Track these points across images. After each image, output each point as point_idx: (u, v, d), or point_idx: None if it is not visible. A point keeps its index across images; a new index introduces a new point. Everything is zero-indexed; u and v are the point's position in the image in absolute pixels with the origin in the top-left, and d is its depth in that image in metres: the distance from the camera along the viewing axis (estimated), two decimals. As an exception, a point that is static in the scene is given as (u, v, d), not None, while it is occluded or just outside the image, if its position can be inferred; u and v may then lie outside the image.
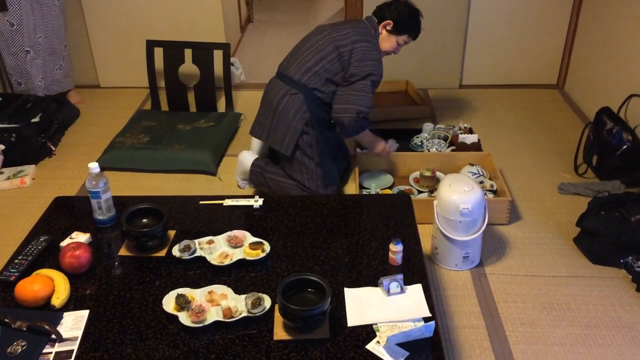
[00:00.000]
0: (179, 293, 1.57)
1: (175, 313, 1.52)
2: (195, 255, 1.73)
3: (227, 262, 1.71)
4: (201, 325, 1.48)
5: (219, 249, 1.77)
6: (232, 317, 1.50)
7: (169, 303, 1.55)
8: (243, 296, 1.55)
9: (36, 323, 1.47)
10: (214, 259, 1.72)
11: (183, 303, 1.53)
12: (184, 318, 1.50)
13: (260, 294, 1.54)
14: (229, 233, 1.81)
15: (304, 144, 2.63)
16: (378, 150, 2.89)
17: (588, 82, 3.81)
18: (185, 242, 1.76)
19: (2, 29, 3.53)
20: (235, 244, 1.77)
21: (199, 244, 1.77)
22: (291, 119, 2.60)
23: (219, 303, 1.54)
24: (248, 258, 1.72)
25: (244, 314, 1.51)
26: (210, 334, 1.47)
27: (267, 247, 1.75)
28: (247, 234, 1.81)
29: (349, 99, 2.57)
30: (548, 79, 4.24)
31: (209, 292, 1.58)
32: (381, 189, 2.88)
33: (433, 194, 2.75)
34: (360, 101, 2.56)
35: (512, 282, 2.40)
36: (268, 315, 1.52)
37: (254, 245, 1.75)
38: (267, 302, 1.53)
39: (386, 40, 2.71)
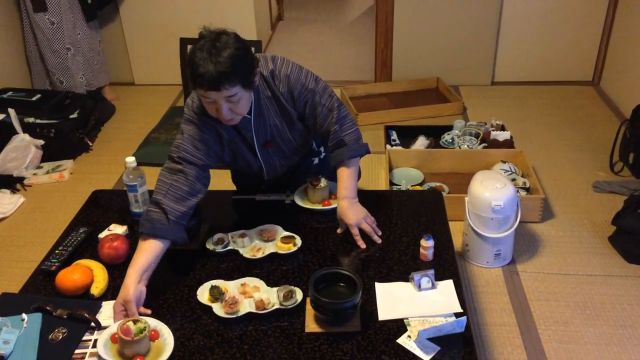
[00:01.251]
0: (213, 285, 1.60)
1: (209, 304, 1.55)
2: (228, 248, 1.77)
3: (259, 255, 1.74)
4: (234, 316, 1.51)
5: (251, 242, 1.80)
6: (265, 308, 1.52)
7: (203, 294, 1.58)
8: (275, 289, 1.58)
9: (76, 311, 1.52)
10: (246, 252, 1.75)
11: (217, 294, 1.56)
12: (218, 309, 1.53)
13: (292, 287, 1.56)
14: (261, 227, 1.84)
15: None
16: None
17: (625, 78, 3.73)
18: (219, 235, 1.79)
19: (44, 28, 3.63)
20: (267, 237, 1.80)
21: (232, 237, 1.80)
22: None
23: (251, 295, 1.57)
24: (280, 252, 1.74)
25: (276, 306, 1.53)
26: (243, 325, 1.50)
27: (298, 241, 1.77)
28: (279, 228, 1.83)
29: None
30: (583, 76, 4.17)
31: (242, 285, 1.61)
32: (411, 186, 2.88)
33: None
34: None
35: (544, 280, 2.38)
36: (299, 308, 1.54)
37: (285, 240, 1.77)
38: (298, 295, 1.55)
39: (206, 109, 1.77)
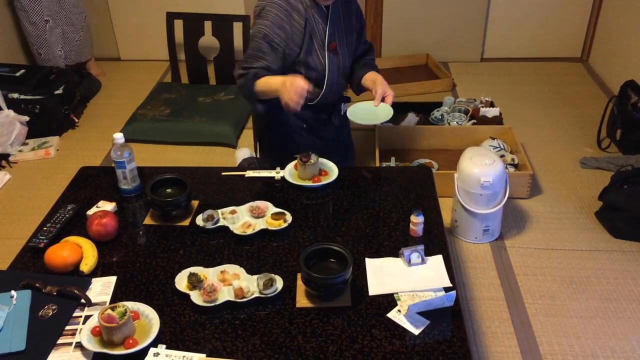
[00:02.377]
0: (192, 272, 1.56)
1: (187, 292, 1.51)
2: (218, 225, 1.76)
3: (249, 231, 1.73)
4: (212, 304, 1.48)
5: (241, 219, 1.79)
6: (244, 297, 1.49)
7: (181, 282, 1.55)
8: (255, 276, 1.54)
9: (66, 288, 1.51)
10: (236, 228, 1.75)
11: (195, 282, 1.52)
12: (196, 297, 1.49)
13: (273, 275, 1.53)
14: (251, 203, 1.83)
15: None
16: (282, 97, 1.93)
17: (613, 55, 3.74)
18: (209, 211, 1.78)
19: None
20: (258, 214, 1.79)
21: (222, 214, 1.79)
22: (255, 124, 2.55)
23: (231, 283, 1.53)
24: (270, 228, 1.74)
25: (256, 295, 1.50)
26: (220, 314, 1.47)
27: (289, 217, 1.77)
28: (270, 204, 1.83)
29: None
30: (572, 52, 4.17)
31: (222, 272, 1.57)
32: (377, 123, 2.32)
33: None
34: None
35: (532, 255, 2.40)
36: (280, 297, 1.51)
37: (276, 216, 1.77)
38: (279, 283, 1.53)
39: None
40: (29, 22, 3.65)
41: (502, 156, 2.84)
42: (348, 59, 2.23)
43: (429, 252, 1.66)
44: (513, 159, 2.82)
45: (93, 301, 1.51)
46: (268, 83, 1.99)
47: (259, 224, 1.76)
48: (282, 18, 2.01)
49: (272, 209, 1.81)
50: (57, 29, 3.75)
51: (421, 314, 1.47)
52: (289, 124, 2.30)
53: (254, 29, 2.05)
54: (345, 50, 2.20)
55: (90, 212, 1.80)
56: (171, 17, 3.71)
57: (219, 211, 1.80)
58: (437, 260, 1.64)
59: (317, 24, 2.07)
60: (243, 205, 1.83)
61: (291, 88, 1.87)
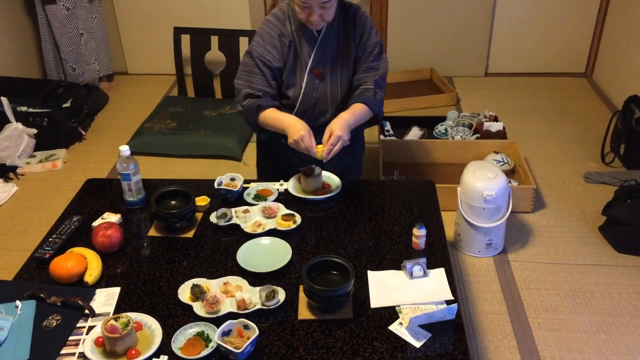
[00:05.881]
0: (195, 283, 1.57)
1: (190, 303, 1.52)
2: (230, 222, 1.81)
3: (259, 230, 1.78)
4: (215, 316, 1.48)
5: (253, 218, 1.84)
6: (246, 309, 1.50)
7: (184, 293, 1.56)
8: (258, 288, 1.55)
9: (70, 298, 1.53)
10: (247, 227, 1.80)
11: (198, 293, 1.53)
12: (199, 308, 1.50)
13: (275, 287, 1.54)
14: (264, 204, 1.88)
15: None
16: (289, 137, 1.92)
17: (617, 70, 3.75)
18: (223, 209, 1.82)
19: (58, 14, 3.66)
20: (269, 214, 1.84)
21: (235, 212, 1.84)
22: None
23: (233, 294, 1.54)
24: (280, 228, 1.78)
25: (258, 306, 1.50)
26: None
27: (298, 219, 1.81)
28: (281, 205, 1.87)
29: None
30: (576, 67, 4.19)
31: (224, 283, 1.58)
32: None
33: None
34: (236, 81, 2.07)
35: (535, 269, 2.40)
36: (282, 308, 1.52)
37: (286, 217, 1.82)
38: (281, 295, 1.53)
39: (298, 13, 1.95)
40: (65, 36, 3.73)
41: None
42: (342, 87, 2.07)
43: (431, 265, 1.67)
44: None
45: (97, 312, 1.52)
46: (277, 120, 1.95)
47: (269, 224, 1.81)
48: (273, 36, 1.98)
49: (283, 210, 1.86)
50: (91, 42, 3.85)
51: (423, 326, 1.47)
52: (273, 143, 2.19)
53: (249, 46, 2.03)
54: (339, 78, 2.05)
55: (95, 223, 1.82)
56: (178, 32, 3.76)
57: (232, 210, 1.84)
58: (439, 273, 1.65)
59: (302, 46, 1.99)
60: (256, 205, 1.87)
61: (300, 143, 1.86)
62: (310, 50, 1.99)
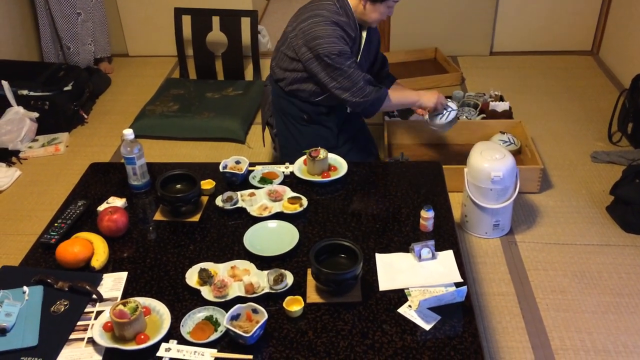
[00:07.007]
0: (202, 267, 1.56)
1: (198, 287, 1.52)
2: (236, 206, 1.79)
3: (265, 214, 1.77)
4: (223, 300, 1.48)
5: (259, 201, 1.83)
6: (254, 292, 1.49)
7: (191, 277, 1.55)
8: (265, 272, 1.55)
9: (77, 283, 1.52)
10: (253, 210, 1.79)
11: (206, 277, 1.53)
12: (207, 293, 1.50)
13: (283, 270, 1.53)
14: (269, 187, 1.87)
15: (272, 134, 2.61)
16: (427, 102, 2.42)
17: (624, 48, 3.70)
18: (228, 193, 1.81)
19: None
20: (275, 197, 1.83)
21: (241, 196, 1.82)
22: (263, 113, 2.65)
23: (241, 278, 1.53)
24: (286, 211, 1.77)
25: (266, 290, 1.50)
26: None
27: (304, 202, 1.80)
28: (287, 189, 1.86)
29: (327, 86, 2.27)
30: (582, 45, 4.13)
31: (232, 267, 1.57)
32: None
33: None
34: (335, 84, 2.24)
35: (542, 250, 2.39)
36: (290, 292, 1.51)
37: (292, 200, 1.81)
38: (289, 278, 1.53)
39: (372, 12, 2.23)
40: (61, 15, 3.69)
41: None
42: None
43: (439, 247, 1.66)
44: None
45: (104, 297, 1.52)
46: (404, 96, 2.46)
47: (275, 207, 1.80)
48: (345, 35, 2.24)
49: (289, 193, 1.85)
50: (88, 23, 3.80)
51: (432, 309, 1.46)
52: (291, 115, 2.46)
53: (310, 56, 2.24)
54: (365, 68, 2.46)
55: (100, 208, 1.81)
56: (179, 12, 3.71)
57: (239, 193, 1.82)
58: (448, 256, 1.64)
59: (360, 40, 2.36)
60: (262, 189, 1.86)
61: (432, 97, 2.41)
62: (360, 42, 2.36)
